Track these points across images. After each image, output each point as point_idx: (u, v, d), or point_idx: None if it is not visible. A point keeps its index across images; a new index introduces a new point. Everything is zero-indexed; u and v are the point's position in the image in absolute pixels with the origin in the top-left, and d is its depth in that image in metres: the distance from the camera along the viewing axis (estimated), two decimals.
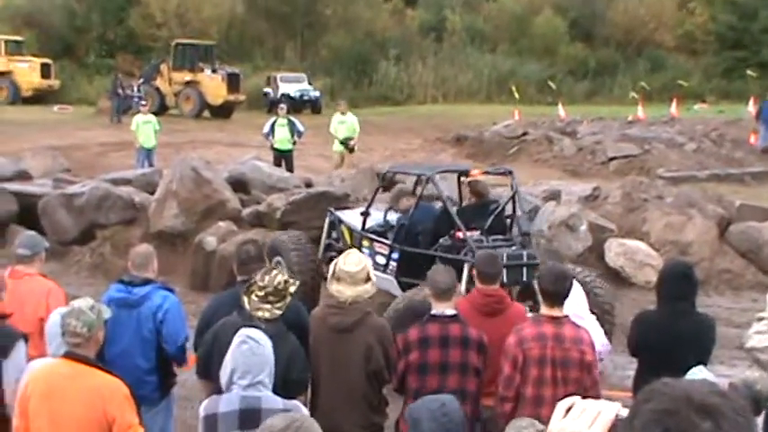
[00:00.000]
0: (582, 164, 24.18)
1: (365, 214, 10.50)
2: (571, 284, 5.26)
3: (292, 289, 5.17)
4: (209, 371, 5.13)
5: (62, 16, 49.98)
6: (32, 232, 7.39)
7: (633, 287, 12.17)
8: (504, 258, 8.38)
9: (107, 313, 4.90)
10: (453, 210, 9.40)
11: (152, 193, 13.82)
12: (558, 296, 5.15)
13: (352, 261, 5.48)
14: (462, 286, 8.78)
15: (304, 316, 5.67)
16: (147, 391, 5.97)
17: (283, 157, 19.41)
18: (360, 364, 5.39)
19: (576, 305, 5.78)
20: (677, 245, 12.94)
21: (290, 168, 18.75)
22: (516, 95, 40.84)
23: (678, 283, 5.71)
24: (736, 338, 8.95)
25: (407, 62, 51.05)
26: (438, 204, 10.09)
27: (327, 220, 11.37)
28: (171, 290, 6.19)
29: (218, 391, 4.59)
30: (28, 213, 14.17)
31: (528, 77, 50.94)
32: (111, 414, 4.59)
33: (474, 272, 6.03)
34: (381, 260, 9.84)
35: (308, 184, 15.18)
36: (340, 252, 11.06)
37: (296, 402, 4.68)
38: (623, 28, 55.82)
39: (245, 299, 5.13)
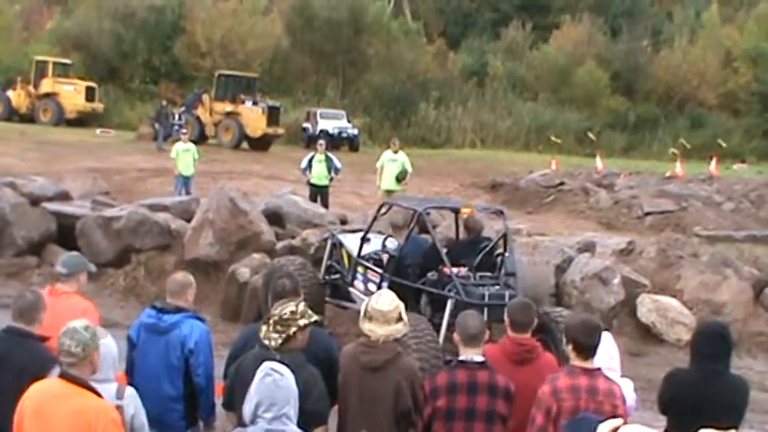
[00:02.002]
0: (617, 217, 24.04)
1: (363, 240, 10.72)
2: (601, 337, 5.25)
3: (302, 322, 5.14)
4: (233, 402, 5.16)
5: (109, 41, 50.73)
6: (76, 253, 7.49)
7: (664, 344, 12.06)
8: (486, 297, 8.91)
9: (104, 336, 4.90)
10: (442, 245, 9.63)
11: (188, 220, 13.92)
12: (591, 348, 5.14)
13: (384, 300, 5.49)
14: (444, 322, 8.93)
15: (333, 351, 5.68)
16: (173, 419, 5.99)
17: (319, 193, 19.49)
18: (389, 404, 5.38)
19: (609, 358, 5.73)
20: (710, 304, 12.80)
21: (325, 204, 18.80)
22: (558, 141, 40.75)
23: (713, 342, 5.64)
24: (767, 403, 8.84)
25: (447, 105, 51.27)
26: (428, 240, 10.25)
27: (329, 243, 11.69)
28: (202, 319, 6.20)
29: (243, 423, 4.59)
30: (66, 233, 14.34)
31: (567, 127, 51.04)
32: None
33: (507, 319, 6.00)
34: (373, 287, 10.15)
35: (343, 221, 15.23)
36: (338, 274, 11.31)
37: None
38: (665, 83, 55.77)
39: (263, 328, 5.17)
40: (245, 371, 4.97)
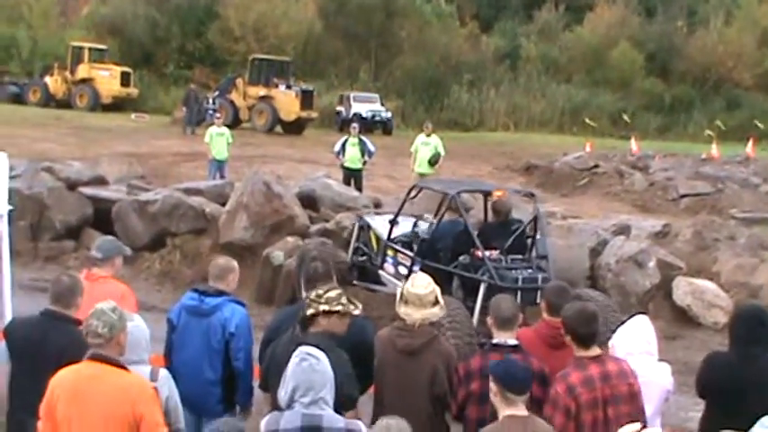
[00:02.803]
0: (652, 199, 23.86)
1: (393, 222, 10.72)
2: (598, 322, 5.25)
3: (340, 308, 5.12)
4: (268, 385, 5.19)
5: (144, 26, 50.99)
6: (111, 237, 7.52)
7: (700, 327, 11.97)
8: (520, 281, 8.95)
9: (130, 319, 4.92)
10: (473, 229, 9.62)
11: (223, 204, 14.00)
12: (592, 337, 5.14)
13: (420, 284, 5.49)
14: (477, 305, 8.92)
15: (369, 335, 5.68)
16: (210, 402, 6.02)
17: (353, 176, 19.53)
18: (425, 388, 5.40)
19: (647, 342, 5.69)
20: (747, 287, 12.68)
21: (359, 187, 18.85)
22: (592, 124, 40.41)
23: (752, 326, 5.59)
24: None
25: (480, 88, 51.03)
26: (461, 221, 10.24)
27: (357, 225, 11.87)
28: (242, 304, 6.22)
29: (278, 407, 4.59)
30: (103, 218, 14.50)
31: (601, 109, 50.68)
32: (140, 412, 4.58)
33: (543, 302, 5.98)
34: (404, 271, 10.27)
35: (377, 204, 15.26)
36: (366, 257, 11.33)
37: (357, 422, 4.68)
38: (701, 64, 55.09)
39: (301, 313, 5.16)
40: (280, 354, 4.98)
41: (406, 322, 5.43)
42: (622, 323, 5.96)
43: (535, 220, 9.89)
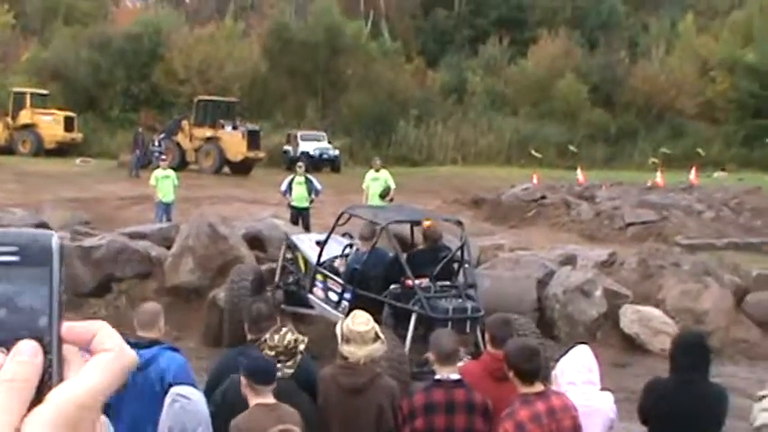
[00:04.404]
0: (599, 229, 24.12)
1: (322, 246, 10.90)
2: (541, 358, 5.28)
3: (302, 347, 5.19)
4: (218, 429, 5.12)
5: (87, 70, 50.58)
6: None
7: (648, 354, 12.08)
8: (450, 311, 8.99)
9: None
10: (404, 257, 9.73)
11: (168, 247, 13.90)
12: (536, 373, 5.15)
13: (360, 321, 5.50)
14: (409, 335, 9.00)
15: (314, 374, 5.66)
16: None
17: (300, 215, 19.51)
18: (371, 425, 5.39)
19: (588, 370, 5.72)
20: (693, 313, 12.85)
21: (306, 226, 18.81)
22: (538, 155, 40.87)
23: (691, 352, 5.67)
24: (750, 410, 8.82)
25: (428, 123, 51.35)
26: (391, 251, 10.34)
27: (284, 244, 12.02)
28: (177, 350, 6.11)
29: None
30: None
31: (548, 141, 51.21)
32: None
33: (486, 335, 6.00)
34: (334, 297, 10.48)
35: None
36: (293, 279, 11.37)
37: None
38: (644, 94, 56.02)
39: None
40: (232, 397, 4.98)
41: (349, 360, 5.41)
42: (565, 353, 5.98)
43: (462, 247, 9.97)
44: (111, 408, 5.73)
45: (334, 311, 10.35)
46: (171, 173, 21.60)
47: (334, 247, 11.18)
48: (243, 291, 11.30)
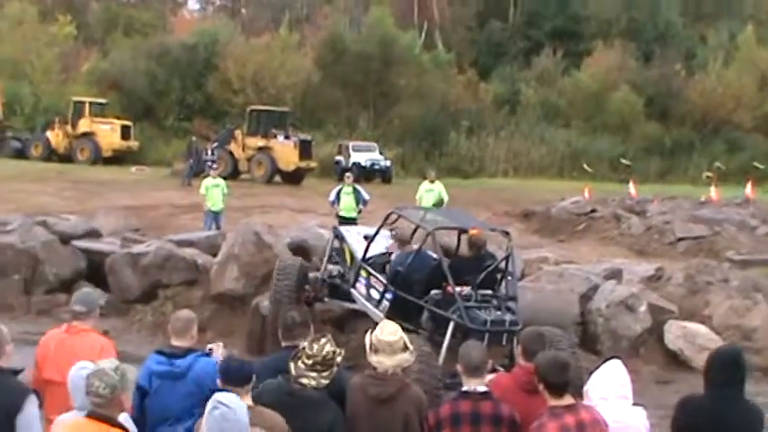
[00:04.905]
0: (649, 243, 23.83)
1: (369, 242, 11.00)
2: (570, 371, 5.25)
3: (339, 359, 5.22)
4: None
5: (144, 80, 51.48)
6: (88, 289, 7.57)
7: (692, 371, 11.88)
8: (488, 323, 8.99)
9: (132, 374, 4.94)
10: (446, 265, 9.68)
11: (215, 255, 14.05)
12: (565, 386, 5.13)
13: (389, 331, 5.52)
14: (445, 343, 8.98)
15: (345, 383, 5.69)
16: None
17: (348, 225, 19.57)
18: None
19: (620, 386, 5.68)
20: (740, 329, 12.65)
21: None
22: (589, 170, 40.54)
23: (726, 368, 5.57)
24: None
25: (479, 135, 51.25)
26: (435, 256, 10.32)
27: (332, 234, 12.23)
28: (208, 355, 6.18)
29: None
30: (96, 270, 14.57)
31: (601, 154, 50.84)
32: None
33: (519, 348, 5.99)
34: (375, 295, 10.50)
35: None
36: (338, 272, 11.57)
37: None
38: (700, 107, 55.30)
39: (292, 365, 5.20)
40: (267, 403, 5.06)
41: (377, 370, 5.44)
42: (597, 368, 5.94)
43: (507, 258, 9.94)
44: (148, 411, 5.81)
45: (374, 310, 10.43)
46: (221, 181, 21.83)
47: (383, 244, 11.27)
48: (286, 288, 11.45)
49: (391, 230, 11.69)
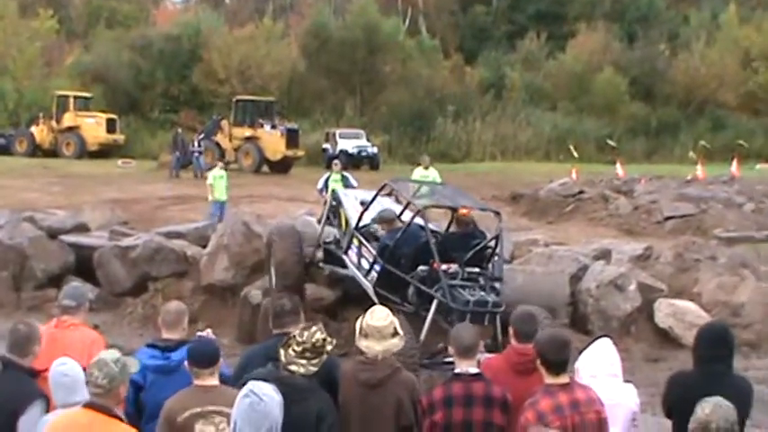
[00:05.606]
0: (637, 223, 23.93)
1: (363, 211, 11.08)
2: (570, 349, 5.27)
3: (329, 347, 5.23)
4: None
5: (128, 73, 51.33)
6: (77, 283, 7.54)
7: (682, 348, 11.95)
8: (471, 304, 9.00)
9: (134, 367, 4.96)
10: (434, 241, 9.72)
11: (204, 246, 14.03)
12: (563, 365, 5.15)
13: (379, 316, 5.52)
14: (427, 321, 9.14)
15: (336, 371, 5.71)
16: None
17: None
18: (390, 420, 5.39)
19: (610, 364, 5.71)
20: (729, 306, 12.72)
21: None
22: (575, 154, 40.68)
23: (714, 344, 5.63)
24: None
25: (466, 119, 51.24)
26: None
27: (330, 196, 12.53)
28: None
29: None
30: (85, 265, 14.52)
31: (587, 135, 50.86)
32: None
33: (510, 329, 6.00)
34: (365, 264, 10.59)
35: None
36: (333, 236, 11.76)
37: None
38: (684, 87, 55.47)
39: (282, 352, 5.20)
40: None
41: (367, 355, 5.45)
42: (587, 347, 5.98)
43: (497, 238, 9.97)
44: (141, 407, 5.80)
45: (363, 279, 10.54)
46: (224, 173, 22.48)
47: (378, 209, 11.31)
48: (292, 246, 11.77)
49: (389, 194, 11.77)
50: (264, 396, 4.54)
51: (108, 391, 4.68)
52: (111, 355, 4.82)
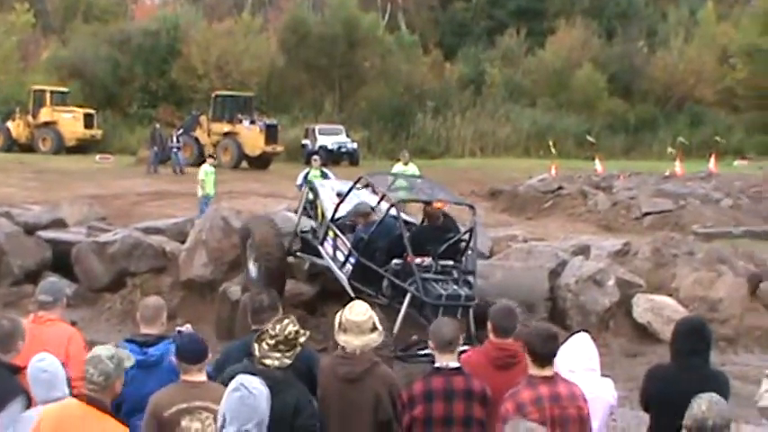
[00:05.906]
0: (616, 219, 24.01)
1: (338, 203, 11.10)
2: (558, 343, 5.29)
3: (302, 339, 5.21)
4: None
5: (106, 67, 50.96)
6: (54, 278, 7.49)
7: (660, 343, 12.01)
8: (443, 298, 9.10)
9: (129, 361, 4.94)
10: (408, 235, 9.78)
11: (183, 242, 13.99)
12: (549, 357, 5.17)
13: (358, 311, 5.51)
14: (401, 314, 9.21)
15: (315, 365, 5.70)
16: None
17: None
18: (369, 414, 5.40)
19: (588, 358, 5.74)
20: (706, 301, 12.81)
21: None
22: (553, 151, 40.83)
23: (690, 337, 5.67)
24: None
25: (445, 115, 51.29)
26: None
27: (307, 187, 12.56)
28: None
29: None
30: (62, 261, 14.43)
31: (566, 132, 51.07)
32: None
33: (489, 324, 6.00)
34: (341, 256, 10.61)
35: None
36: (310, 226, 11.71)
37: None
38: (663, 83, 55.85)
39: (256, 346, 5.19)
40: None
41: (345, 350, 5.45)
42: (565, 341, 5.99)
43: (471, 231, 10.00)
44: (122, 402, 5.77)
45: (338, 271, 10.57)
46: (214, 168, 22.73)
47: (354, 203, 11.30)
48: (272, 235, 11.76)
49: (366, 186, 11.76)
50: (254, 390, 4.53)
51: (104, 388, 4.70)
52: (107, 351, 4.80)
